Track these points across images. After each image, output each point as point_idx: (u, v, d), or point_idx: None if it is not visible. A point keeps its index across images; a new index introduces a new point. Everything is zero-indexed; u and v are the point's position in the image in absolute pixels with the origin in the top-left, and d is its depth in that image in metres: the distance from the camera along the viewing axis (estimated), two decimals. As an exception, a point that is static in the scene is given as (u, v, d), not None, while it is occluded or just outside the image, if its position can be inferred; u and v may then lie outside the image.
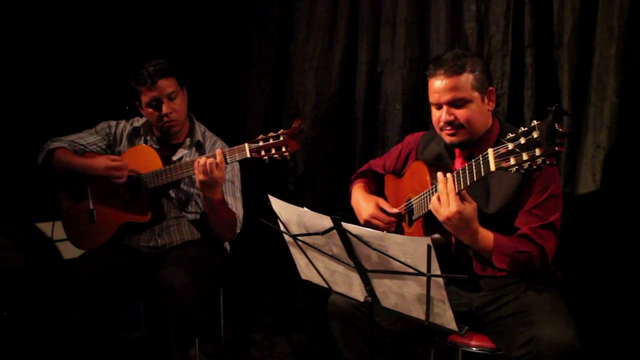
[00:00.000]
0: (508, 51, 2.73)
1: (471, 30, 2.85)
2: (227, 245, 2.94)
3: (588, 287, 2.51)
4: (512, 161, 1.67)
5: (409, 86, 3.06)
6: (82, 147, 2.84)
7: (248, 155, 2.45)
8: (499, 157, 1.71)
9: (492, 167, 1.74)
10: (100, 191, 2.77)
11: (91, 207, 2.74)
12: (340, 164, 3.36)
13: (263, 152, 2.44)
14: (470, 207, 1.93)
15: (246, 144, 2.46)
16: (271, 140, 2.43)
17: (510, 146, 1.67)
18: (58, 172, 2.80)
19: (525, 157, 1.63)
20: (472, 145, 2.15)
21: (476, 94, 2.10)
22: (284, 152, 2.43)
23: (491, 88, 2.15)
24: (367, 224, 2.36)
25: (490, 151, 1.75)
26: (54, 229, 3.23)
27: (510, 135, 1.68)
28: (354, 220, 2.42)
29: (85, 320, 2.54)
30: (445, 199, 1.91)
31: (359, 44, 3.22)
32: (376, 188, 2.58)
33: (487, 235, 2.00)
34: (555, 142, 1.56)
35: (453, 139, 2.15)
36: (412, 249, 1.65)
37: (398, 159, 2.51)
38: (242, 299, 3.54)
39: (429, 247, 1.61)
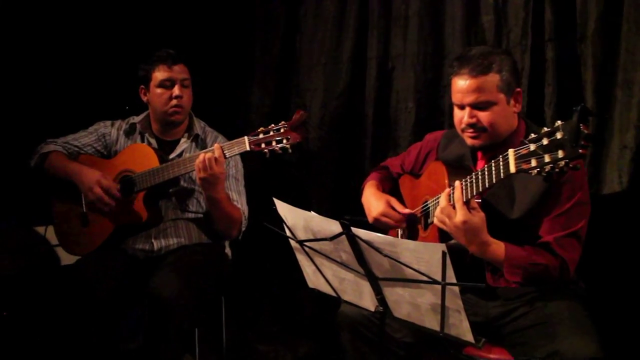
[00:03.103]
0: (527, 45, 2.68)
1: (488, 23, 2.82)
2: (228, 250, 2.90)
3: (612, 297, 2.47)
4: (534, 163, 1.63)
5: (422, 83, 3.03)
6: (76, 149, 2.84)
7: (248, 148, 2.46)
8: (519, 159, 1.67)
9: (512, 169, 1.70)
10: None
11: (84, 210, 2.72)
12: (349, 165, 3.34)
13: (263, 145, 2.43)
14: (478, 217, 1.91)
15: (246, 137, 2.46)
16: (272, 132, 2.43)
17: (532, 147, 1.63)
18: (51, 175, 2.79)
19: (547, 159, 1.59)
20: (496, 148, 2.10)
21: (501, 96, 2.05)
22: (286, 144, 2.41)
23: (518, 89, 2.10)
24: (377, 221, 2.35)
25: (510, 152, 1.71)
26: (46, 233, 3.21)
27: (533, 135, 1.65)
28: (364, 224, 2.36)
29: (81, 330, 2.50)
30: (450, 210, 1.91)
31: (368, 38, 3.18)
32: (391, 187, 2.55)
33: (497, 247, 1.97)
34: (579, 144, 1.53)
35: (475, 141, 2.12)
36: (426, 255, 1.62)
37: (417, 159, 2.48)
38: (245, 308, 3.53)
39: (444, 253, 1.58)
